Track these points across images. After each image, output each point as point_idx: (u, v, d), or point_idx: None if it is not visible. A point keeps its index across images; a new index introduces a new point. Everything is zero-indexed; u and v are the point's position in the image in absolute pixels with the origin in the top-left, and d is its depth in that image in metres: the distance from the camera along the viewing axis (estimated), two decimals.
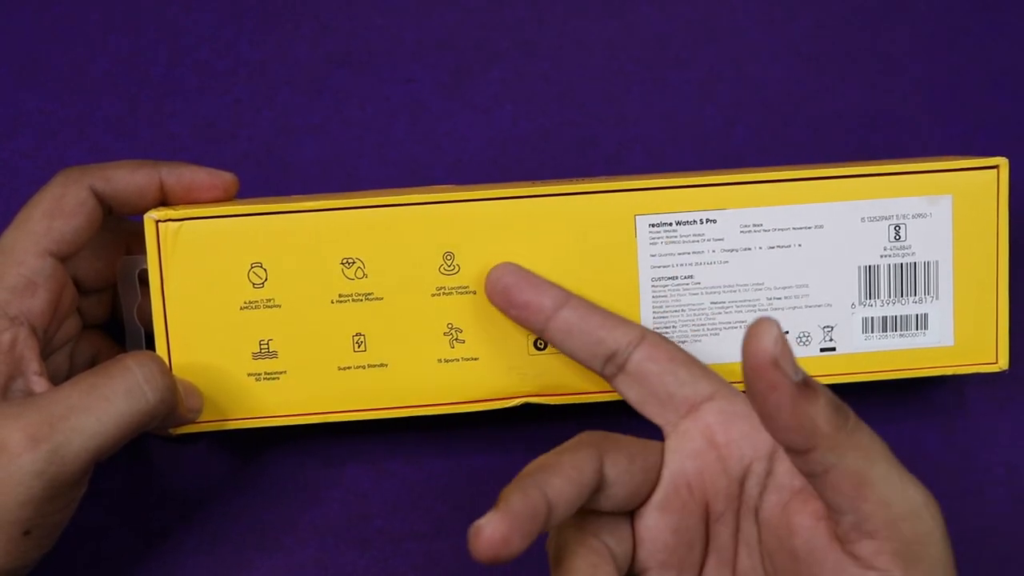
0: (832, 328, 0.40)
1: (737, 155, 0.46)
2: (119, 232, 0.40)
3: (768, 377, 0.27)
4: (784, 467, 0.33)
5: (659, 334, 0.36)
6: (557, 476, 0.31)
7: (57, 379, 0.39)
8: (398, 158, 0.46)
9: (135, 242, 0.41)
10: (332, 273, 0.39)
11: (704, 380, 0.35)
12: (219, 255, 0.38)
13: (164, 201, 0.39)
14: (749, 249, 0.39)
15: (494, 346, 0.39)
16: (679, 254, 0.39)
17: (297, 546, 0.44)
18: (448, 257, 0.39)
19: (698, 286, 0.39)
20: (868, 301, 0.40)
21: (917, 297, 0.40)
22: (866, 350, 0.40)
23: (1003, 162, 0.39)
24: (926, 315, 0.40)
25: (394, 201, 0.38)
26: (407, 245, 0.39)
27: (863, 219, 0.39)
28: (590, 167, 0.46)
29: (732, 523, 0.34)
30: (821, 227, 0.39)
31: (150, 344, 0.40)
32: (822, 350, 0.40)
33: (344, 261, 0.39)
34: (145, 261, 0.39)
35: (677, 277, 0.39)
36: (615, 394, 0.40)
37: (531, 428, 0.45)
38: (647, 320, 0.39)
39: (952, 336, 0.40)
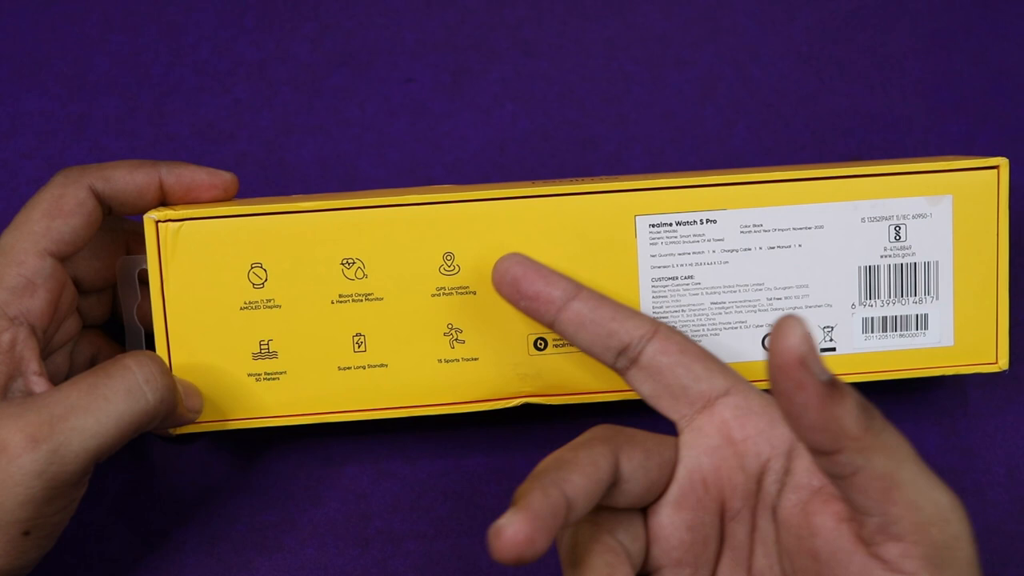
0: (832, 328, 0.40)
1: (737, 155, 0.46)
2: (119, 232, 0.40)
3: (795, 376, 0.27)
4: (803, 465, 0.33)
5: (672, 327, 0.35)
6: (575, 473, 0.30)
7: (57, 379, 0.39)
8: (398, 158, 0.46)
9: (135, 242, 0.41)
10: (332, 273, 0.39)
11: (719, 375, 0.34)
12: (219, 255, 0.38)
13: (164, 201, 0.39)
14: (749, 249, 0.39)
15: (494, 346, 0.39)
16: (679, 254, 0.39)
17: (297, 546, 0.44)
18: (448, 257, 0.39)
19: (698, 286, 0.39)
20: (868, 301, 0.40)
21: (917, 297, 0.40)
22: (866, 350, 0.40)
23: (1003, 162, 0.39)
24: (926, 315, 0.40)
25: (394, 201, 0.38)
26: (407, 245, 0.39)
27: (863, 219, 0.39)
28: (590, 167, 0.46)
29: (748, 521, 0.34)
30: (821, 227, 0.39)
31: (150, 344, 0.40)
32: (822, 350, 0.40)
33: (344, 261, 0.39)
34: (145, 261, 0.39)
35: (677, 277, 0.39)
36: (615, 394, 0.40)
37: (531, 428, 0.45)
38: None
39: (952, 336, 0.40)
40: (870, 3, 0.47)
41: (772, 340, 0.27)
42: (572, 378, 0.40)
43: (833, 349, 0.40)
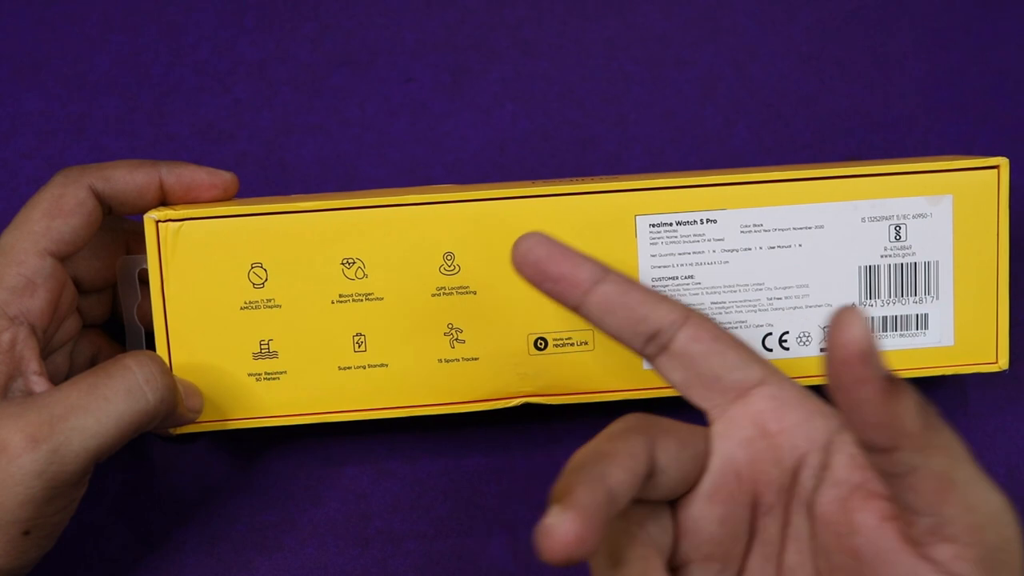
0: None
1: (737, 155, 0.46)
2: (119, 232, 0.40)
3: (856, 371, 0.26)
4: (842, 460, 0.32)
5: (704, 313, 0.34)
6: (614, 465, 0.29)
7: (57, 379, 0.39)
8: (398, 158, 0.46)
9: (135, 241, 0.41)
10: (332, 273, 0.39)
11: (754, 364, 0.33)
12: (219, 255, 0.38)
13: (164, 201, 0.39)
14: (749, 249, 0.39)
15: (494, 346, 0.39)
16: (679, 254, 0.39)
17: (297, 546, 0.44)
18: (448, 257, 0.39)
19: (698, 286, 0.39)
20: (868, 301, 0.40)
21: (917, 297, 0.40)
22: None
23: (1003, 162, 0.39)
24: (926, 315, 0.40)
25: (394, 201, 0.38)
26: (407, 245, 0.39)
27: (863, 219, 0.39)
28: (590, 167, 0.46)
29: (781, 516, 0.33)
30: (821, 227, 0.39)
31: (150, 344, 0.40)
32: (822, 350, 0.40)
33: (344, 261, 0.39)
34: (145, 261, 0.39)
35: (677, 277, 0.39)
36: (616, 393, 0.40)
37: (531, 428, 0.45)
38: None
39: (952, 336, 0.40)
40: (870, 3, 0.47)
41: (832, 332, 0.26)
42: (572, 378, 0.40)
43: None
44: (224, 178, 0.39)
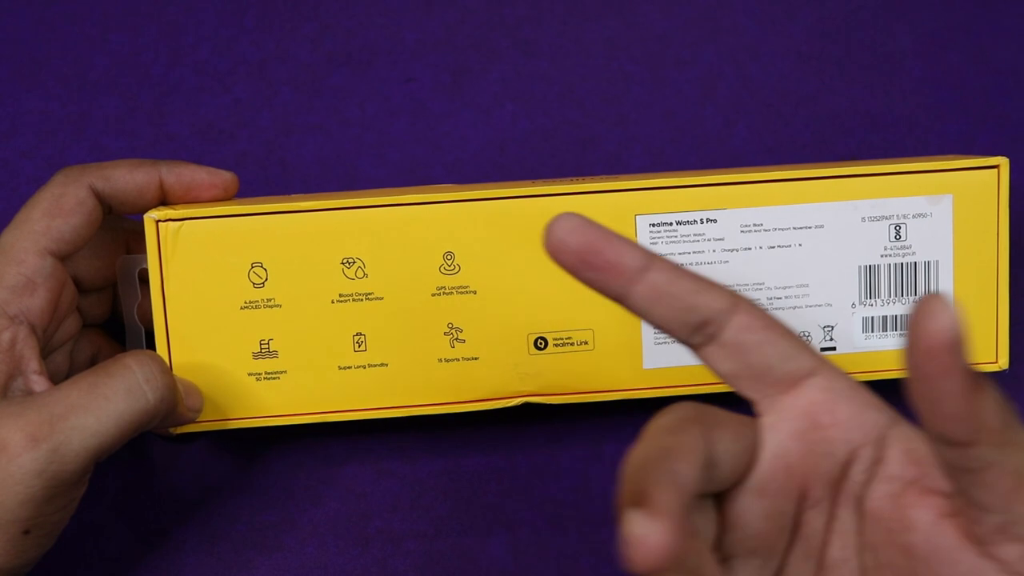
0: (832, 328, 0.40)
1: (737, 155, 0.46)
2: (119, 231, 0.40)
3: (943, 361, 0.25)
4: (896, 455, 0.31)
5: (751, 299, 0.32)
6: (682, 462, 0.27)
7: (57, 378, 0.39)
8: (398, 158, 0.46)
9: (135, 241, 0.41)
10: (332, 273, 0.39)
11: (805, 353, 0.31)
12: (219, 255, 0.38)
13: (164, 200, 0.39)
14: (749, 249, 0.39)
15: (494, 346, 0.39)
16: (679, 254, 0.39)
17: (297, 546, 0.44)
18: (448, 257, 0.39)
19: None
20: (868, 301, 0.40)
21: (917, 297, 0.40)
22: (866, 349, 0.40)
23: (1003, 162, 0.39)
24: None
25: (394, 201, 0.38)
26: (407, 245, 0.39)
27: (863, 219, 0.39)
28: (590, 167, 0.46)
29: (828, 511, 0.32)
30: (821, 227, 0.39)
31: (150, 343, 0.40)
32: (822, 350, 0.40)
33: (344, 261, 0.39)
34: (145, 260, 0.39)
35: None
36: (616, 393, 0.40)
37: (531, 428, 0.45)
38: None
39: None
40: (870, 3, 0.47)
41: (917, 320, 0.25)
42: (572, 378, 0.40)
43: (833, 348, 0.40)
44: (224, 178, 0.40)
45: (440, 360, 0.39)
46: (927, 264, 0.40)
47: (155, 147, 0.45)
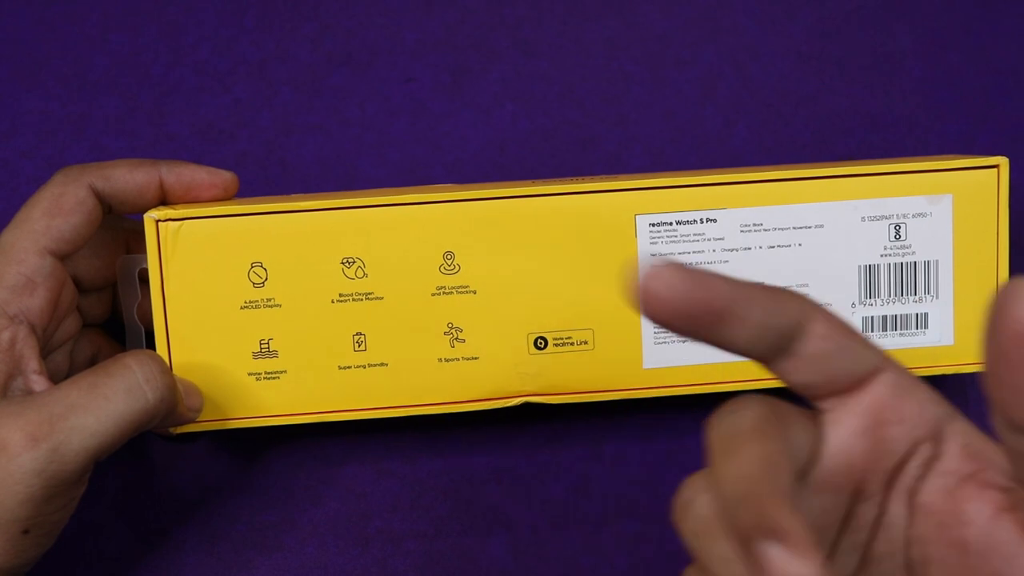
0: None
1: (737, 155, 0.46)
2: (119, 231, 0.40)
3: None
4: (954, 449, 0.30)
5: (821, 304, 0.30)
6: (785, 472, 0.26)
7: (57, 378, 0.39)
8: (398, 158, 0.46)
9: (135, 241, 0.41)
10: (332, 273, 0.39)
11: (872, 351, 0.30)
12: (219, 255, 0.38)
13: (164, 200, 0.39)
14: (749, 249, 0.39)
15: (494, 346, 0.39)
16: (679, 253, 0.39)
17: (297, 546, 0.44)
18: (448, 257, 0.39)
19: None
20: (868, 300, 0.40)
21: (917, 296, 0.40)
22: None
23: (1003, 162, 0.39)
24: (926, 314, 0.40)
25: (394, 201, 0.38)
26: (407, 245, 0.39)
27: (863, 219, 0.39)
28: (590, 167, 0.46)
29: (879, 505, 0.31)
30: (821, 227, 0.39)
31: (150, 343, 0.40)
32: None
33: (344, 261, 0.39)
34: (145, 260, 0.39)
35: None
36: (616, 393, 0.40)
37: (531, 428, 0.45)
38: (647, 320, 0.39)
39: (952, 335, 0.40)
40: (870, 3, 0.47)
41: (1002, 307, 0.24)
42: (572, 378, 0.40)
43: None
44: (224, 177, 0.40)
45: (440, 360, 0.39)
46: (927, 264, 0.40)
47: (155, 147, 0.45)
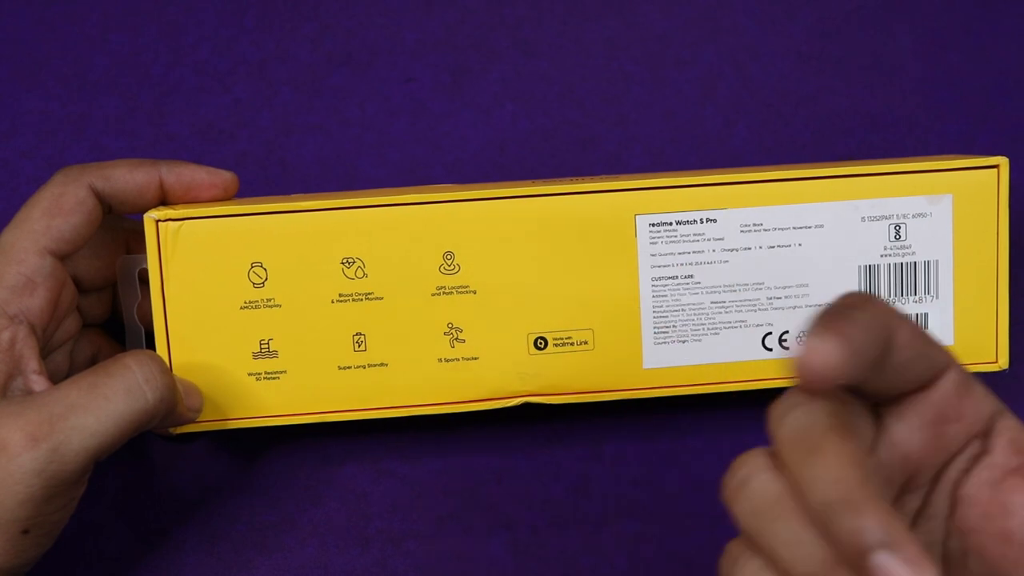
0: None
1: (737, 155, 0.46)
2: (119, 231, 0.40)
3: None
4: (1001, 444, 0.31)
5: (898, 309, 0.30)
6: (871, 474, 0.27)
7: (57, 378, 0.39)
8: (398, 158, 0.46)
9: (135, 241, 0.41)
10: (332, 273, 0.39)
11: (940, 351, 0.30)
12: (219, 255, 0.38)
13: (164, 200, 0.39)
14: (749, 249, 0.39)
15: (494, 346, 0.39)
16: (679, 253, 0.39)
17: (297, 546, 0.44)
18: (448, 257, 0.39)
19: (698, 286, 0.39)
20: None
21: (917, 296, 0.40)
22: None
23: (1003, 162, 0.39)
24: (926, 315, 0.40)
25: (394, 201, 0.38)
26: (407, 245, 0.39)
27: (863, 219, 0.39)
28: (590, 167, 0.46)
29: (923, 497, 0.32)
30: (821, 227, 0.39)
31: (150, 343, 0.40)
32: None
33: (344, 261, 0.39)
34: (145, 260, 0.39)
35: (677, 277, 0.39)
36: (616, 393, 0.40)
37: (531, 428, 0.45)
38: (647, 320, 0.39)
39: (952, 335, 0.40)
40: (870, 3, 0.47)
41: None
42: (572, 378, 0.40)
43: None
44: (224, 177, 0.39)
45: (440, 360, 0.39)
46: (927, 264, 0.40)
47: (155, 147, 0.45)
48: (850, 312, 0.27)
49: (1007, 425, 0.30)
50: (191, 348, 0.39)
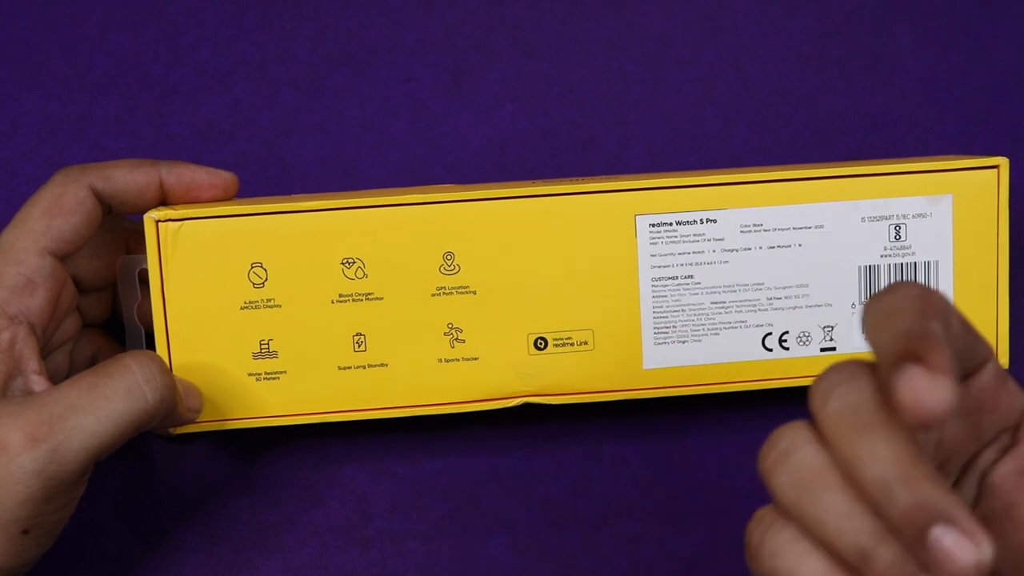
0: (832, 328, 0.40)
1: (737, 155, 0.46)
2: (119, 231, 0.40)
3: None
4: None
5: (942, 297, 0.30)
6: (924, 451, 0.27)
7: (57, 378, 0.39)
8: (398, 158, 0.46)
9: (135, 241, 0.41)
10: (332, 273, 0.39)
11: (982, 342, 0.30)
12: (219, 255, 0.38)
13: (164, 200, 0.39)
14: (749, 249, 0.39)
15: (494, 346, 0.39)
16: (679, 254, 0.39)
17: (297, 546, 0.44)
18: (448, 257, 0.39)
19: (698, 286, 0.39)
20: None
21: None
22: (867, 349, 0.40)
23: (1003, 162, 0.39)
24: None
25: (394, 201, 0.38)
26: (407, 245, 0.39)
27: (863, 219, 0.39)
28: (590, 167, 0.46)
29: (952, 482, 0.32)
30: (821, 227, 0.39)
31: (150, 343, 0.40)
32: (822, 350, 0.40)
33: (344, 261, 0.39)
34: (145, 260, 0.39)
35: (677, 277, 0.39)
36: (615, 393, 0.40)
37: (531, 428, 0.45)
38: (647, 320, 0.39)
39: None
40: (870, 3, 0.47)
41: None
42: (572, 378, 0.40)
43: (833, 349, 0.40)
44: (224, 177, 0.39)
45: (440, 360, 0.39)
46: (927, 264, 0.40)
47: (155, 147, 0.45)
48: (932, 329, 0.26)
49: None
50: (191, 348, 0.39)
